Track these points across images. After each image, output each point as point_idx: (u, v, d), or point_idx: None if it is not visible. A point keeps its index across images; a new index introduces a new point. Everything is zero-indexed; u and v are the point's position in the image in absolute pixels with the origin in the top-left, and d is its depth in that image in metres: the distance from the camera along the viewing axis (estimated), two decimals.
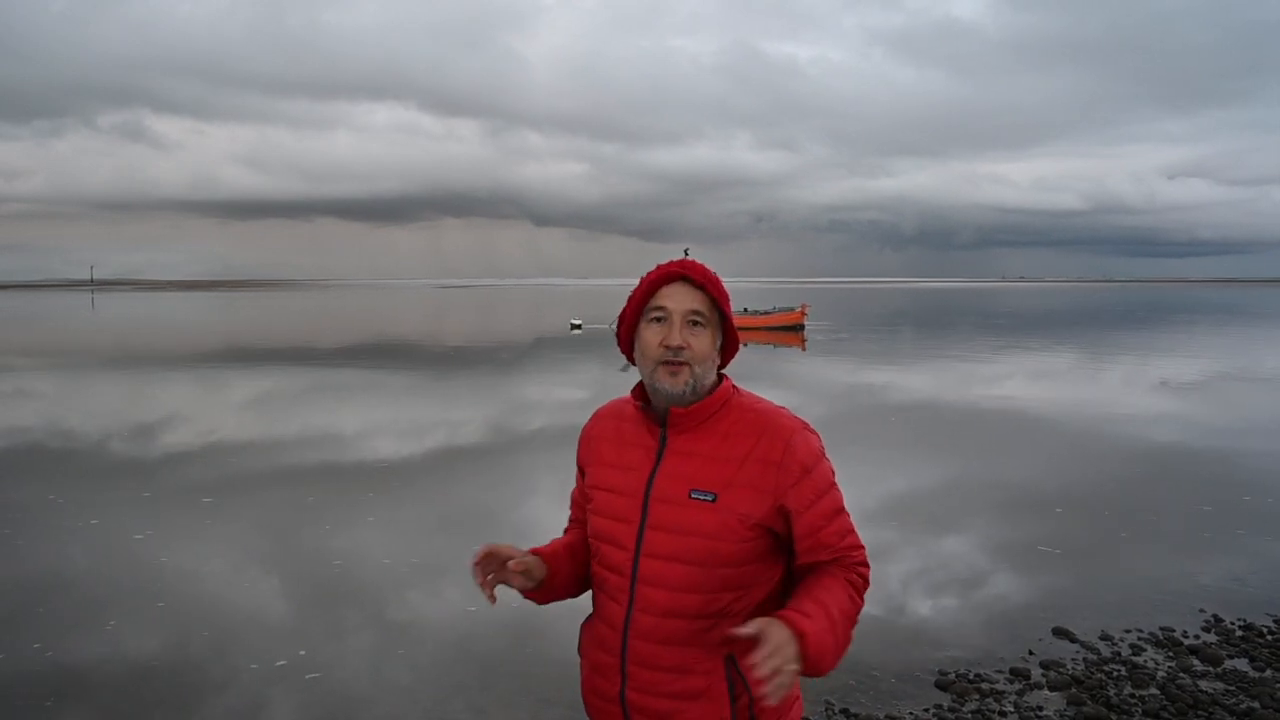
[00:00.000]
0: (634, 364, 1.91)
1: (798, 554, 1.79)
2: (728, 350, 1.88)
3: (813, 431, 1.83)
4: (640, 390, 1.92)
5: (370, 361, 23.20)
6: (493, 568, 1.82)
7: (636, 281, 1.89)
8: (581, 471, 2.02)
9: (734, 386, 1.88)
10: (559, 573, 1.96)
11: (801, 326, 35.24)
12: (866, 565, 1.82)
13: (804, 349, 27.32)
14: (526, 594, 1.92)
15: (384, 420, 13.21)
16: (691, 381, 1.78)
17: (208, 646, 5.10)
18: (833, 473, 1.82)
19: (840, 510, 1.80)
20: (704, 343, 1.79)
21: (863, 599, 1.80)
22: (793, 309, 37.08)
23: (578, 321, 39.60)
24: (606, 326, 37.50)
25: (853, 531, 1.82)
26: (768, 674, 1.51)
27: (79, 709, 4.40)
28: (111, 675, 4.75)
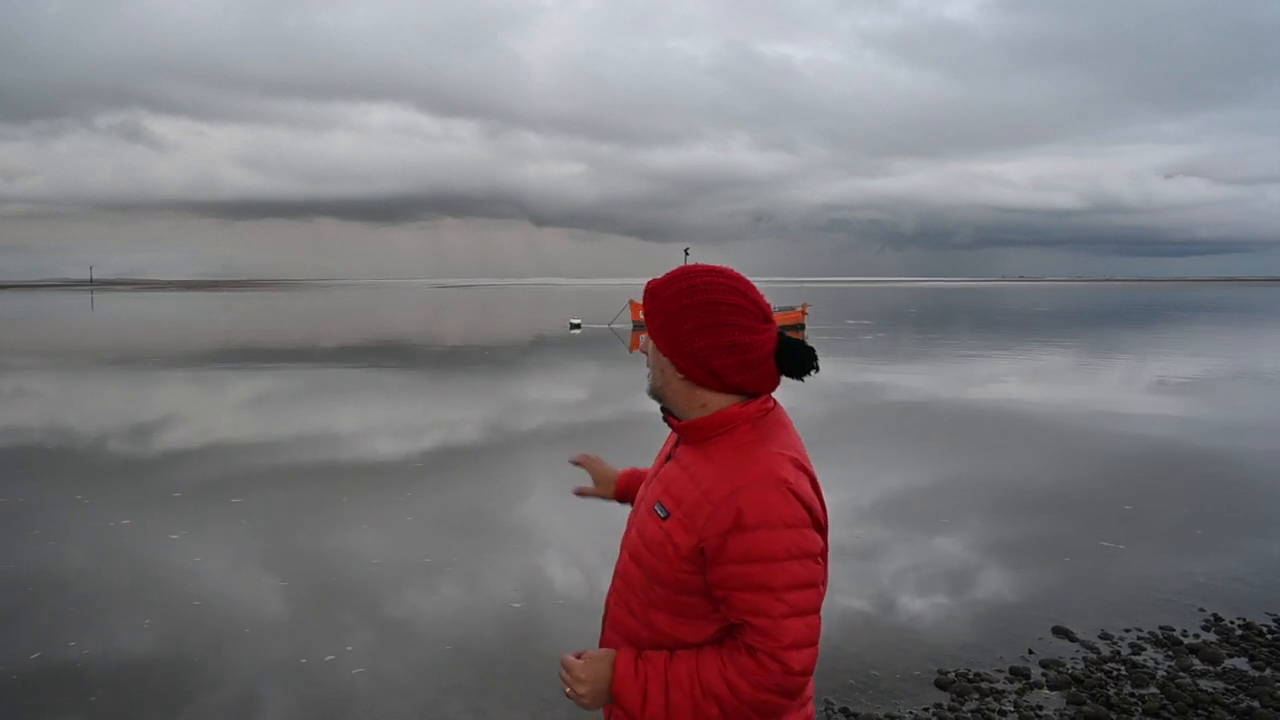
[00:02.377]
0: None
1: (715, 600, 1.69)
2: (686, 369, 1.75)
3: (788, 495, 1.61)
4: None
5: (372, 361, 23.20)
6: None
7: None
8: None
9: (758, 413, 1.76)
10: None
11: (802, 326, 35.25)
12: (776, 659, 1.59)
13: None
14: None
15: (383, 420, 13.21)
16: (650, 389, 1.86)
17: (206, 644, 5.10)
18: (793, 552, 1.60)
19: (769, 590, 1.59)
20: (653, 352, 1.83)
21: (754, 690, 1.60)
22: (794, 308, 37.09)
23: (577, 321, 39.59)
24: (606, 326, 37.49)
25: (769, 617, 1.59)
26: (563, 686, 1.75)
27: (78, 703, 4.41)
28: (105, 672, 4.75)
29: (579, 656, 1.77)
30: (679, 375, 1.77)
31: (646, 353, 1.85)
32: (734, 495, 1.62)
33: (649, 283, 1.85)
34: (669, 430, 1.99)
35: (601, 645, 1.89)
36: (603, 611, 1.96)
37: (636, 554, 1.80)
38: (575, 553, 6.75)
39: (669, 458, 1.86)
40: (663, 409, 1.88)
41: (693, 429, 1.77)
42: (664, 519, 1.72)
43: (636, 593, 1.79)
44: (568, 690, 1.74)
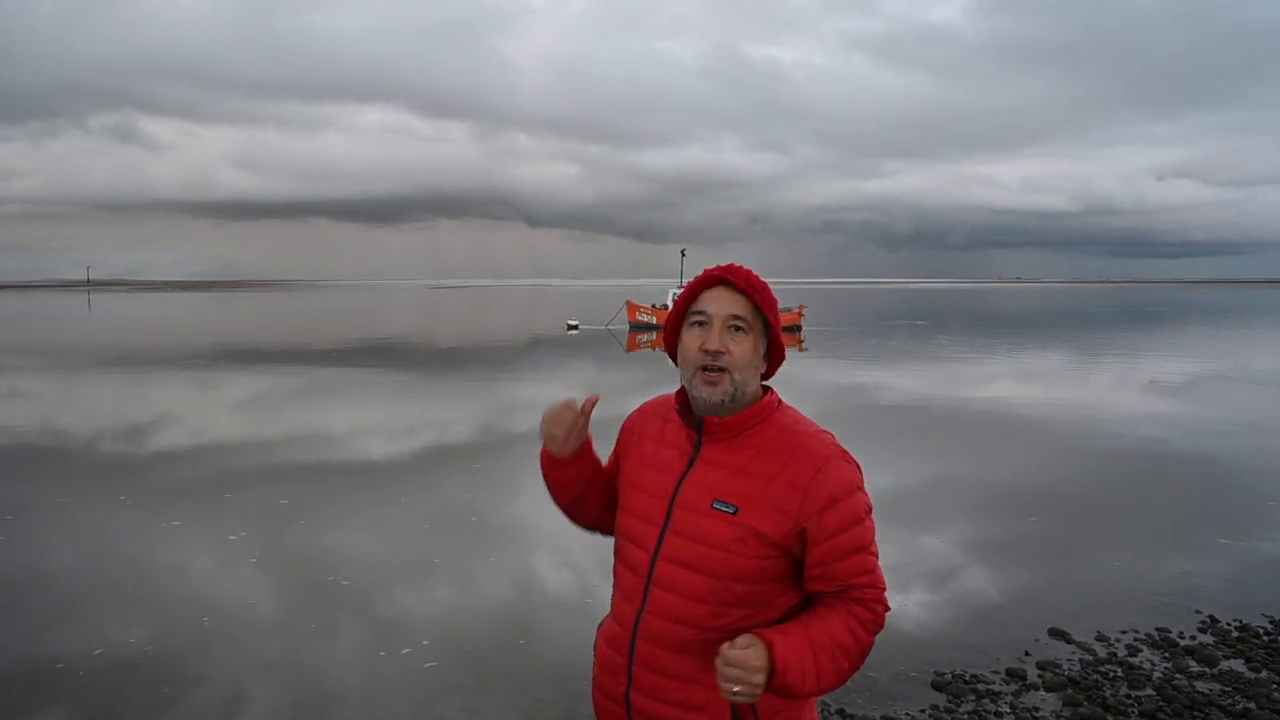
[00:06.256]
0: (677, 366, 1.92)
1: (807, 580, 1.77)
2: (773, 360, 1.85)
3: (851, 462, 1.79)
4: (683, 392, 1.91)
5: (370, 362, 23.17)
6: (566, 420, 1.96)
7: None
8: (617, 461, 2.03)
9: (779, 402, 1.85)
10: (591, 464, 2.04)
11: (799, 327, 35.26)
12: (881, 603, 1.76)
13: (801, 349, 27.34)
14: (553, 460, 2.01)
15: (379, 420, 13.20)
16: (731, 389, 1.77)
17: (199, 642, 5.08)
18: (867, 509, 1.77)
19: (863, 549, 1.74)
20: (745, 349, 1.77)
21: (869, 635, 1.75)
22: (790, 310, 37.12)
23: (574, 322, 39.59)
24: (603, 328, 37.48)
25: (871, 571, 1.76)
26: (728, 685, 1.61)
27: (62, 701, 4.40)
28: (95, 669, 4.73)
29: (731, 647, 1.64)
30: (762, 368, 1.83)
31: (730, 351, 1.76)
32: (820, 476, 1.72)
33: (746, 272, 1.80)
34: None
35: (643, 666, 1.81)
36: (628, 638, 1.84)
37: (697, 561, 1.75)
38: (571, 553, 6.74)
39: (691, 460, 1.82)
40: (680, 411, 1.87)
41: (735, 423, 1.79)
42: (734, 514, 1.73)
43: (703, 599, 1.75)
44: (737, 689, 1.60)
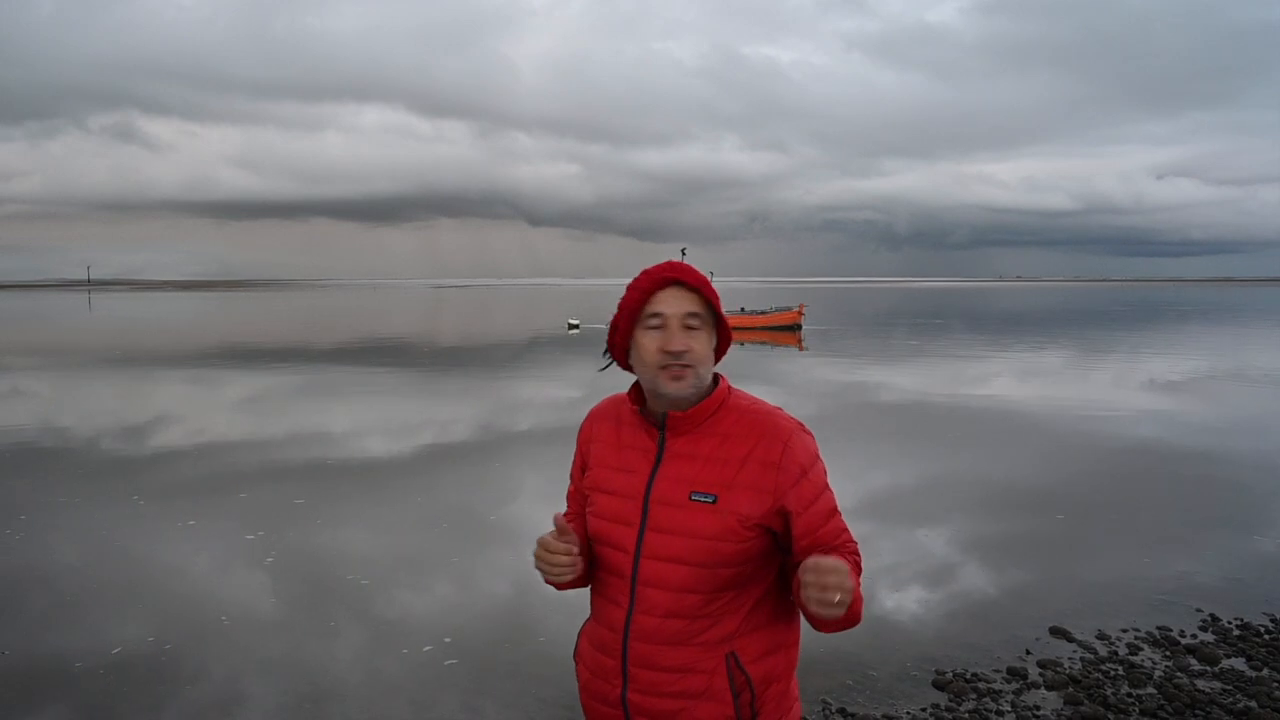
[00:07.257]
0: (625, 368, 1.92)
1: (795, 552, 1.79)
2: (720, 349, 1.89)
3: (808, 432, 1.85)
4: (636, 392, 1.92)
5: (372, 361, 23.18)
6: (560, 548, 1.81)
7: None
8: (583, 472, 2.00)
9: (729, 387, 1.88)
10: (587, 557, 1.93)
11: (799, 326, 35.26)
12: (859, 555, 1.85)
13: (801, 348, 27.34)
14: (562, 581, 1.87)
15: (388, 419, 13.20)
16: (695, 383, 1.80)
17: (197, 640, 5.09)
18: (825, 475, 1.85)
19: (835, 510, 1.83)
20: (702, 344, 1.81)
21: (858, 577, 1.79)
22: (790, 309, 37.10)
23: (575, 321, 39.59)
24: (604, 327, 37.56)
25: (846, 530, 1.84)
26: (831, 592, 1.57)
27: (83, 698, 4.40)
28: (115, 667, 4.73)
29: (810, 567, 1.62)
30: (714, 359, 1.86)
31: (691, 349, 1.77)
32: (787, 451, 1.78)
33: (686, 269, 1.82)
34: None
35: (639, 665, 1.81)
36: (619, 641, 1.83)
37: (683, 553, 1.77)
38: None
39: (657, 457, 1.84)
40: (644, 412, 1.88)
41: (697, 414, 1.82)
42: (714, 502, 1.76)
43: (694, 590, 1.77)
44: (838, 597, 1.57)
